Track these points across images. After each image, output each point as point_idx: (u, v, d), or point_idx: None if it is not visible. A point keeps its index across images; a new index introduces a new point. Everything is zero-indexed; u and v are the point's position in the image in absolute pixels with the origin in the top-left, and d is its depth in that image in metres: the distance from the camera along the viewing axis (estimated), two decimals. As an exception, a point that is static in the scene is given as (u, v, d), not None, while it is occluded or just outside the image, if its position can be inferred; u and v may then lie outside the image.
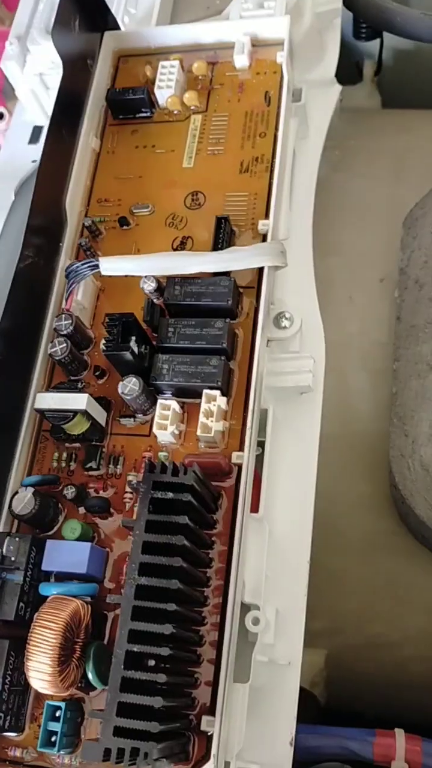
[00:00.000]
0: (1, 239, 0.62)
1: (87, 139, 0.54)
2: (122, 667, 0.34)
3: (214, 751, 0.37)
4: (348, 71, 0.87)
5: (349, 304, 0.67)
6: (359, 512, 0.63)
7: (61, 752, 0.38)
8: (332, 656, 0.64)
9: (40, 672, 0.36)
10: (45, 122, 0.60)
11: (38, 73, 0.61)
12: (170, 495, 0.37)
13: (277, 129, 0.52)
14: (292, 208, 0.55)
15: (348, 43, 0.86)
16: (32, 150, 0.64)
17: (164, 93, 0.54)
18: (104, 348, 0.44)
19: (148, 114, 0.55)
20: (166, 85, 0.54)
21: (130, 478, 0.43)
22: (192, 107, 0.54)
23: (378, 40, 0.85)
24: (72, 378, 0.48)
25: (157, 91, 0.54)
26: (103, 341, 0.44)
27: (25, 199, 0.61)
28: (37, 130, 0.66)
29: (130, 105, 0.55)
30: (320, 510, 0.62)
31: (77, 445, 0.46)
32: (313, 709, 0.60)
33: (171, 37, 0.56)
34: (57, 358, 0.45)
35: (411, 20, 0.60)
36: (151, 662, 0.36)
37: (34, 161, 0.63)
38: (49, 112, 0.51)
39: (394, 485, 0.55)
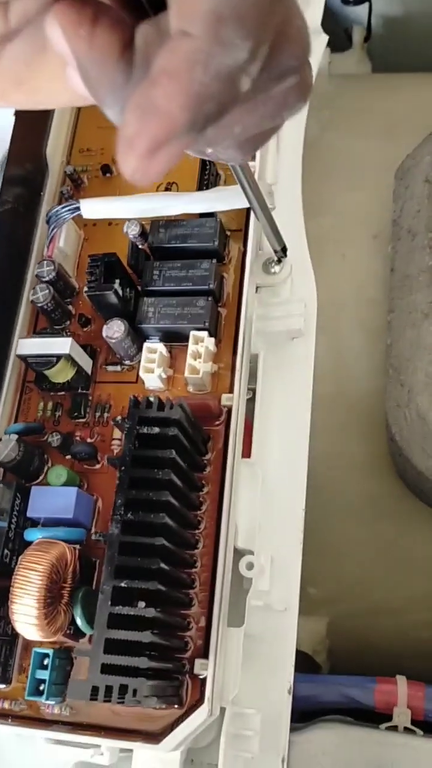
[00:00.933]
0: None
1: (68, 89, 0.52)
2: (109, 603, 0.33)
3: (208, 694, 0.36)
4: (337, 38, 0.86)
5: (342, 262, 0.66)
6: (358, 474, 0.62)
7: (50, 700, 0.37)
8: (334, 624, 0.63)
9: (26, 615, 0.35)
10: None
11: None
12: (156, 430, 0.36)
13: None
14: (280, 154, 0.53)
15: (336, 10, 0.85)
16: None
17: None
18: (87, 289, 0.42)
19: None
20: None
21: (117, 418, 0.42)
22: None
23: (366, 6, 0.84)
24: (56, 327, 0.46)
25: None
26: (86, 283, 0.43)
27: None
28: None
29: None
30: (318, 473, 0.61)
31: (63, 394, 0.45)
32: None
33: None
34: (39, 304, 0.44)
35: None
36: (142, 604, 0.35)
37: None
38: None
39: (391, 438, 0.54)
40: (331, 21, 0.85)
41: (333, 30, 0.85)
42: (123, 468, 0.36)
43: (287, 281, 0.49)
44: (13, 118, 0.47)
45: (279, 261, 0.46)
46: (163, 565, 0.34)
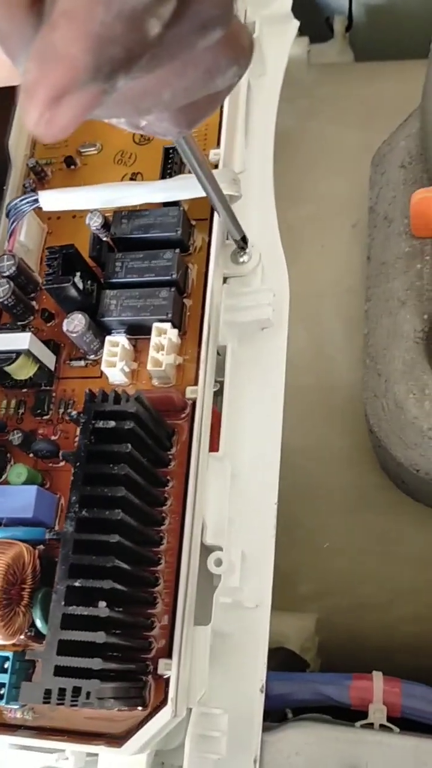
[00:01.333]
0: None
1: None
2: (62, 603, 0.32)
3: (171, 695, 0.35)
4: (319, 28, 0.84)
5: (321, 251, 0.65)
6: (340, 467, 0.61)
7: (11, 704, 0.36)
8: (323, 620, 0.62)
9: (-20, 617, 0.34)
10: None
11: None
12: (112, 424, 0.35)
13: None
14: (249, 144, 0.52)
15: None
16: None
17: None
18: (45, 282, 0.41)
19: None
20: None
21: (73, 413, 0.41)
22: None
23: (347, -6, 0.83)
24: (19, 323, 0.45)
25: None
26: (44, 275, 0.42)
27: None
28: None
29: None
30: (299, 466, 0.60)
31: (26, 390, 0.44)
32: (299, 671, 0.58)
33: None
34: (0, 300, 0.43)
35: None
36: (102, 603, 0.34)
37: None
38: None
39: (370, 429, 0.53)
40: (312, 10, 0.83)
41: (314, 20, 0.84)
42: (78, 464, 0.35)
43: (257, 271, 0.47)
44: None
45: (242, 249, 0.45)
46: (119, 563, 0.33)
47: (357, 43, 0.86)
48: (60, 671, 0.31)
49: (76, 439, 0.42)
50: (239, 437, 0.44)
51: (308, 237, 0.64)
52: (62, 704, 0.31)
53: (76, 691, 0.30)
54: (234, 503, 0.42)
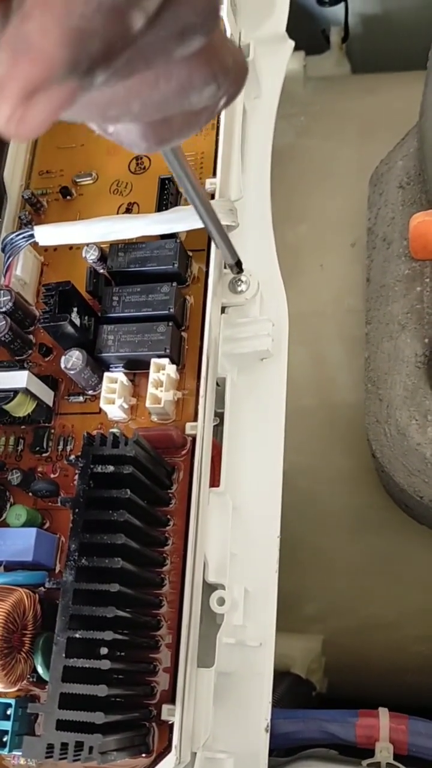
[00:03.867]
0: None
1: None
2: (63, 655, 0.32)
3: (175, 741, 0.35)
4: (315, 40, 0.84)
5: (320, 271, 0.64)
6: (344, 488, 0.60)
7: (14, 752, 0.36)
8: (329, 641, 0.62)
9: (-19, 667, 0.34)
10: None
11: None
12: (111, 469, 0.35)
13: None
14: (246, 169, 0.52)
15: (312, 11, 0.83)
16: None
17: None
18: (41, 321, 0.41)
19: (88, 80, 0.52)
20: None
21: (72, 457, 0.40)
22: (132, 69, 0.52)
23: (343, 5, 0.83)
24: (17, 358, 0.45)
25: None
26: (41, 313, 0.41)
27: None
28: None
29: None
30: (303, 488, 0.60)
31: (24, 427, 0.43)
32: (306, 697, 0.57)
33: None
34: (-4, 336, 0.43)
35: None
36: (104, 650, 0.33)
37: None
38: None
39: (372, 454, 0.53)
40: (308, 22, 0.83)
41: (310, 32, 0.84)
42: (77, 510, 0.34)
43: (255, 300, 0.47)
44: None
45: (237, 275, 0.45)
46: (120, 613, 0.32)
47: (354, 55, 0.86)
48: (62, 725, 0.31)
49: (75, 478, 0.42)
50: (240, 470, 0.44)
51: (307, 256, 0.64)
52: (65, 759, 0.30)
53: (79, 745, 0.30)
54: (235, 538, 0.42)
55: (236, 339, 0.45)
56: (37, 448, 0.42)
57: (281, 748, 0.41)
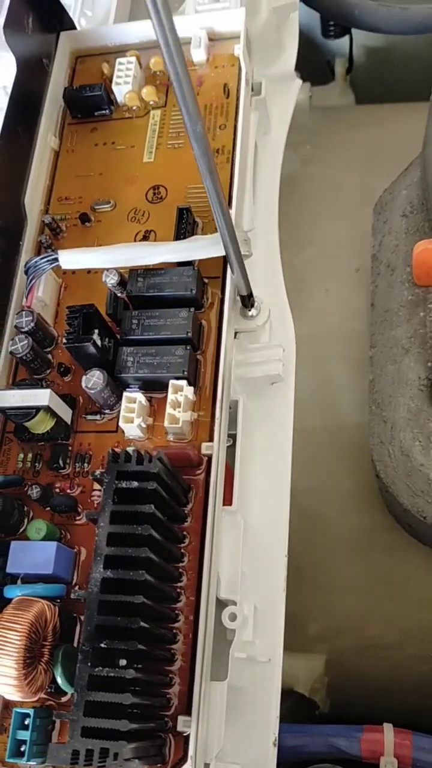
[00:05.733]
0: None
1: (45, 139, 0.53)
2: (89, 664, 0.33)
3: (191, 752, 0.36)
4: (320, 71, 0.87)
5: (325, 296, 0.66)
6: (348, 508, 0.61)
7: (32, 762, 0.36)
8: (332, 661, 0.62)
9: (4, 675, 0.34)
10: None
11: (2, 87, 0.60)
12: (135, 484, 0.36)
13: (236, 119, 0.51)
14: (256, 202, 0.54)
15: (318, 43, 0.86)
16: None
17: (122, 89, 0.53)
18: (65, 341, 0.42)
19: (107, 111, 0.54)
20: (124, 81, 0.53)
21: (96, 472, 0.42)
22: (151, 102, 0.54)
23: (347, 38, 0.85)
24: (36, 377, 0.46)
25: (115, 88, 0.54)
26: (65, 334, 0.43)
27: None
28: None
29: (88, 103, 0.54)
30: (307, 508, 0.61)
31: (43, 444, 0.45)
32: (309, 715, 0.58)
33: (127, 34, 0.56)
34: (18, 355, 0.44)
35: (368, 12, 0.60)
36: (123, 662, 0.34)
37: None
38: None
39: (376, 474, 0.54)
40: (313, 54, 0.86)
41: (315, 63, 0.86)
42: (102, 524, 0.35)
43: (266, 327, 0.49)
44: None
45: (251, 306, 0.47)
46: (143, 624, 0.34)
47: (358, 86, 0.88)
48: (87, 732, 0.32)
49: (93, 493, 0.43)
50: (250, 490, 0.45)
51: (313, 281, 0.66)
52: (90, 766, 0.31)
53: (104, 752, 0.31)
54: (246, 556, 0.43)
55: (248, 363, 0.47)
56: (55, 465, 0.44)
57: (287, 762, 0.42)
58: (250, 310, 0.48)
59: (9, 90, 0.59)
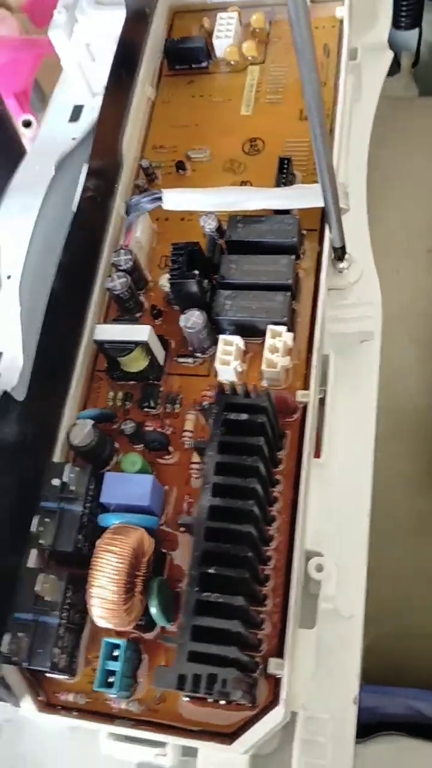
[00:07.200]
0: (42, 211, 0.61)
1: (143, 88, 0.53)
2: (196, 589, 0.32)
3: (282, 695, 0.35)
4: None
5: (395, 276, 0.66)
6: (400, 491, 0.60)
7: (120, 693, 0.36)
8: (367, 648, 0.61)
9: (103, 599, 0.34)
10: (87, 100, 0.59)
11: (85, 44, 0.60)
12: (245, 416, 0.35)
13: (337, 77, 0.51)
14: (349, 160, 0.53)
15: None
16: (72, 128, 0.63)
17: (222, 43, 0.53)
18: (170, 276, 0.42)
19: (205, 64, 0.54)
20: (225, 35, 0.53)
21: (189, 416, 0.41)
22: (250, 57, 0.54)
23: (417, 32, 0.86)
24: (127, 317, 0.46)
25: (215, 41, 0.53)
26: (169, 270, 0.42)
27: (64, 174, 0.61)
28: (77, 109, 0.65)
29: (188, 54, 0.54)
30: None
31: (133, 384, 0.44)
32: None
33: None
34: (116, 292, 0.44)
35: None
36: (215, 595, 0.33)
37: (74, 138, 0.62)
38: (94, 87, 0.54)
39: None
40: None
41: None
42: (209, 453, 0.35)
43: (358, 284, 0.48)
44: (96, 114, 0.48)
45: (342, 259, 0.46)
46: (250, 554, 0.33)
47: (421, 79, 0.89)
48: (194, 657, 0.31)
49: (183, 433, 0.42)
50: (336, 446, 0.45)
51: (384, 261, 0.65)
52: (197, 692, 0.30)
53: (212, 678, 0.30)
54: (332, 511, 0.42)
55: (342, 319, 0.47)
56: (146, 405, 0.43)
57: (361, 722, 0.41)
58: (341, 263, 0.48)
59: (96, 54, 0.59)
